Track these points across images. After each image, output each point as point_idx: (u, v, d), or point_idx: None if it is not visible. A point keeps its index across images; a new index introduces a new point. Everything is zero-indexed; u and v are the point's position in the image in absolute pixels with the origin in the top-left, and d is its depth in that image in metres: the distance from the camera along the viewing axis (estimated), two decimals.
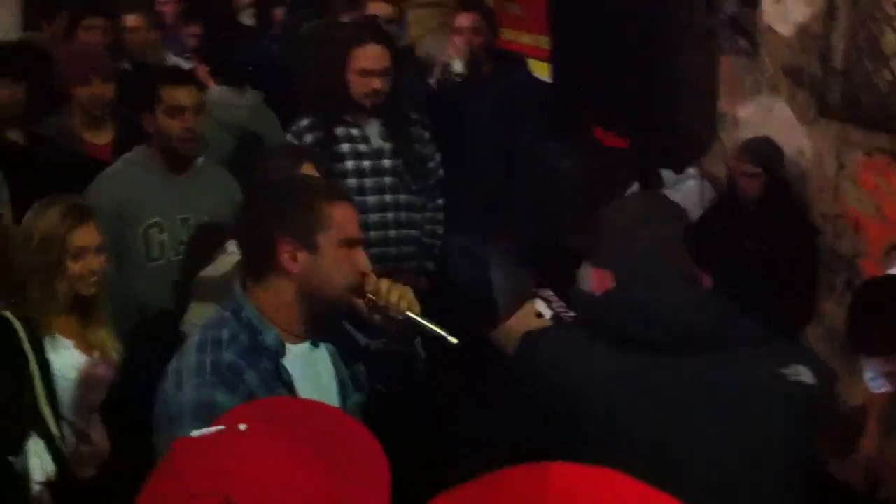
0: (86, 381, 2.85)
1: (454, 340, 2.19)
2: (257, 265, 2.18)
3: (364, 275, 2.18)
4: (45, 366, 2.72)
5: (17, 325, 2.71)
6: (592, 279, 2.14)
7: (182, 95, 3.49)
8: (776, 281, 3.88)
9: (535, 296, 2.69)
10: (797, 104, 4.20)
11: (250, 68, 5.00)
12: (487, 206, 4.55)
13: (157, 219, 3.50)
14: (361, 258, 2.19)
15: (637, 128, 4.02)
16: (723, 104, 4.65)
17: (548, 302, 2.66)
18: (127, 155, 3.66)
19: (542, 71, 5.11)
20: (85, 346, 2.92)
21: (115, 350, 2.99)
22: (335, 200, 2.19)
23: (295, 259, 2.12)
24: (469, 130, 4.55)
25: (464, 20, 4.64)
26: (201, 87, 3.85)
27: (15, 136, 4.21)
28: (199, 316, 2.93)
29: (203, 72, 4.86)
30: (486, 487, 0.90)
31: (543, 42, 5.41)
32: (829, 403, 2.09)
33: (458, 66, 4.56)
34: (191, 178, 3.57)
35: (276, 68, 5.59)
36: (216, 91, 4.63)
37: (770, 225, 4.00)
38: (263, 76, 5.25)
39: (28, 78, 4.22)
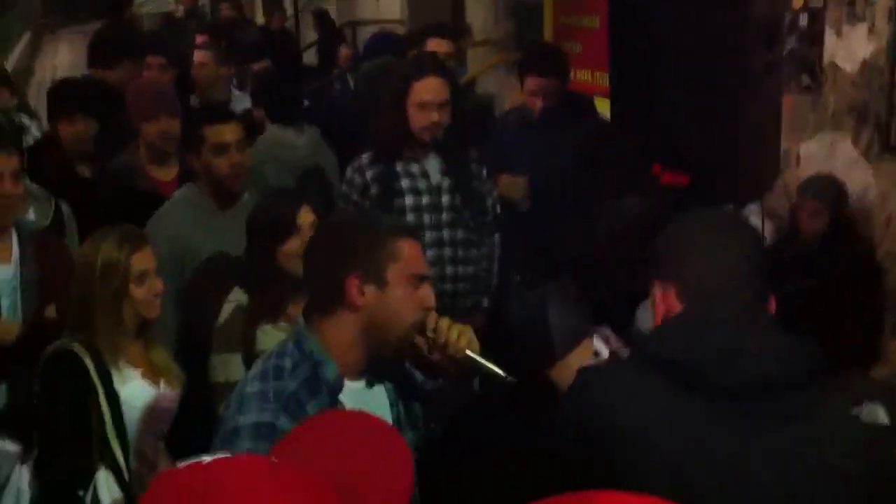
0: (153, 411, 2.90)
1: (512, 379, 2.19)
2: (323, 300, 2.20)
3: (429, 311, 2.20)
4: (113, 398, 2.77)
5: (87, 358, 2.77)
6: (654, 295, 1.98)
7: (225, 133, 3.55)
8: (838, 322, 3.82)
9: (592, 334, 2.67)
10: (861, 141, 4.14)
11: (307, 103, 5.08)
12: (547, 244, 4.54)
13: (207, 257, 3.52)
14: (428, 294, 2.21)
15: (698, 165, 3.99)
16: (785, 141, 4.59)
17: (605, 340, 2.63)
18: (176, 194, 3.72)
19: (601, 107, 5.11)
20: (151, 374, 2.95)
21: (178, 377, 3.03)
22: (403, 237, 2.21)
23: (363, 293, 2.13)
24: (535, 169, 4.55)
25: (536, 84, 4.54)
26: (248, 123, 3.89)
27: (84, 171, 4.33)
28: (221, 371, 3.00)
29: (259, 112, 4.95)
30: None
31: (601, 79, 5.42)
32: None
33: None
34: (239, 213, 3.60)
35: (338, 105, 5.67)
36: (272, 129, 4.72)
37: (833, 264, 3.93)
38: (323, 113, 5.34)
39: (98, 114, 4.34)
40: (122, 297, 2.86)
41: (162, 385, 2.94)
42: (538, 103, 4.55)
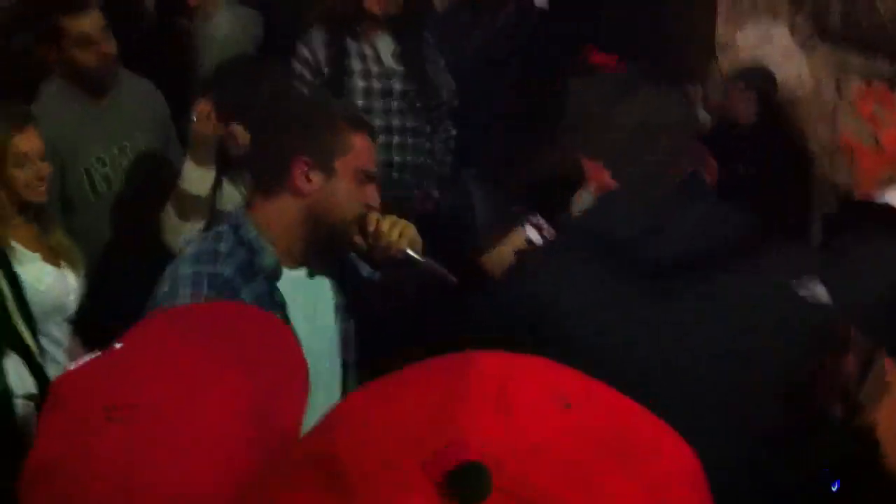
0: (56, 292, 2.84)
1: (453, 279, 2.19)
2: (267, 181, 2.16)
3: (370, 208, 2.17)
4: (13, 279, 2.70)
5: None
6: (586, 170, 1.95)
7: (88, 23, 3.28)
8: (769, 209, 3.85)
9: (523, 222, 2.65)
10: (796, 28, 4.12)
11: None
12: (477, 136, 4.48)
13: (94, 153, 3.36)
14: (373, 193, 2.18)
15: (629, 47, 3.95)
16: (721, 27, 4.56)
17: (537, 228, 2.61)
18: (41, 95, 3.41)
19: None
20: (50, 257, 2.88)
21: (80, 260, 2.95)
22: (359, 130, 2.18)
23: (309, 179, 2.10)
24: (461, 57, 4.46)
25: None
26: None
27: None
28: (188, 234, 2.91)
29: None
30: (414, 371, 0.89)
31: None
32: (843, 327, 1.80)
33: None
34: (116, 100, 3.42)
35: None
36: (225, 6, 4.57)
37: (765, 151, 3.96)
38: None
39: None
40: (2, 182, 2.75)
41: (63, 267, 2.87)
42: None
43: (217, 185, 3.00)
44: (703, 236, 1.75)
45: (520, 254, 2.18)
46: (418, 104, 3.88)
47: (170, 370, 1.08)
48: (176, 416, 1.03)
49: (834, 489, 1.96)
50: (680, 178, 1.83)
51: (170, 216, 2.98)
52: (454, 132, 4.09)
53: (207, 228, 2.70)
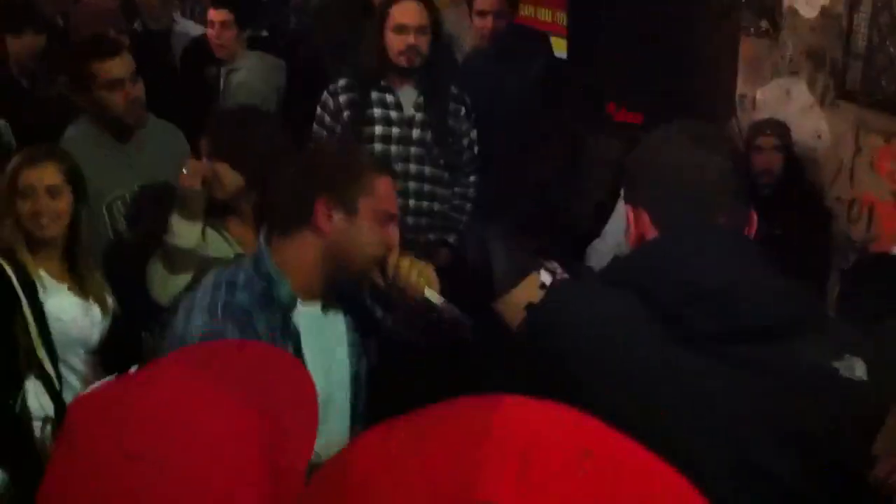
0: (80, 323, 2.89)
1: (469, 321, 2.20)
2: (288, 220, 2.18)
3: (391, 249, 2.19)
4: (38, 307, 2.75)
5: (9, 269, 2.77)
6: (627, 218, 1.85)
7: (117, 67, 3.37)
8: (790, 265, 3.83)
9: (539, 268, 2.65)
10: (817, 87, 4.14)
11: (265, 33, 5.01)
12: (500, 185, 4.51)
13: (116, 193, 3.42)
14: (394, 233, 2.21)
15: (652, 105, 3.98)
16: (742, 86, 4.59)
17: (552, 273, 2.61)
18: (69, 133, 3.51)
19: (560, 47, 5.06)
20: (78, 290, 2.94)
21: (109, 295, 3.00)
22: (381, 173, 2.21)
23: (330, 218, 2.12)
24: (490, 107, 4.50)
25: (485, 3, 4.45)
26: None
27: (27, 85, 4.23)
28: (178, 287, 2.93)
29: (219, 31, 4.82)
30: (438, 417, 0.88)
31: (561, 19, 5.36)
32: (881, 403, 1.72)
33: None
34: (140, 142, 3.48)
35: (297, 38, 5.60)
36: (252, 55, 4.64)
37: (785, 207, 3.95)
38: (281, 46, 5.27)
39: (47, 31, 4.23)
40: (10, 212, 2.84)
41: (90, 301, 2.92)
42: (487, 24, 4.48)
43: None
44: (762, 310, 1.63)
45: (552, 285, 2.15)
46: (437, 152, 3.93)
47: (182, 412, 1.07)
48: (188, 460, 1.03)
49: None
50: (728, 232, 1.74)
51: (157, 270, 2.99)
52: (474, 179, 4.12)
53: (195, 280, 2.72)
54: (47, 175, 2.89)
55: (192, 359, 1.21)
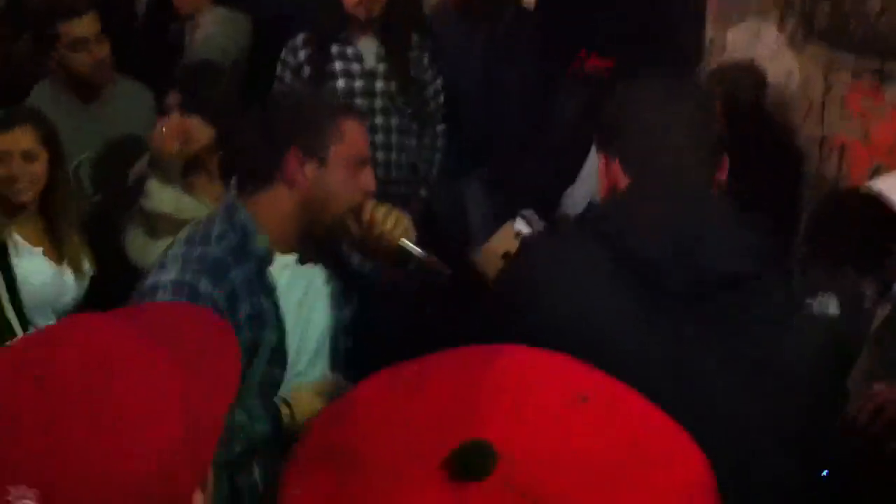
0: (51, 288, 2.86)
1: (447, 270, 2.19)
2: (260, 173, 2.16)
3: (368, 195, 2.17)
4: (7, 271, 2.72)
5: None
6: (599, 168, 1.86)
7: (81, 27, 3.33)
8: (761, 207, 3.85)
9: (515, 216, 2.65)
10: (786, 28, 4.14)
11: None
12: (472, 140, 4.48)
13: (82, 155, 3.40)
14: (369, 178, 2.19)
15: (623, 49, 3.96)
16: (711, 28, 4.58)
17: (528, 221, 2.61)
18: (32, 94, 3.48)
19: None
20: (53, 254, 2.90)
21: (87, 261, 2.97)
22: (349, 118, 2.18)
23: (303, 170, 2.11)
24: (457, 64, 4.47)
25: None
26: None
27: None
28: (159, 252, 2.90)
29: None
30: (434, 364, 0.89)
31: None
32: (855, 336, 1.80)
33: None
34: (106, 102, 3.45)
35: None
36: (216, 10, 4.57)
37: (756, 147, 3.96)
38: None
39: None
40: None
41: (64, 266, 2.89)
42: None
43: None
44: (734, 256, 1.66)
45: (525, 239, 2.15)
46: (402, 102, 3.89)
47: (99, 349, 1.06)
48: (101, 390, 1.01)
49: (824, 478, 1.96)
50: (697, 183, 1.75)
51: (137, 235, 2.97)
52: (441, 128, 4.10)
53: None
54: (23, 139, 2.84)
55: (118, 312, 1.21)
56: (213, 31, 4.58)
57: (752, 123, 3.91)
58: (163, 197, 2.92)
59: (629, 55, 3.88)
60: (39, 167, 2.88)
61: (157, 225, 2.92)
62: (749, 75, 4.06)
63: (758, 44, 4.29)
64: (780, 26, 4.17)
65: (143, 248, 2.94)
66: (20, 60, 3.90)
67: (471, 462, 0.77)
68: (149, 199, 2.94)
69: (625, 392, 0.88)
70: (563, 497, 0.76)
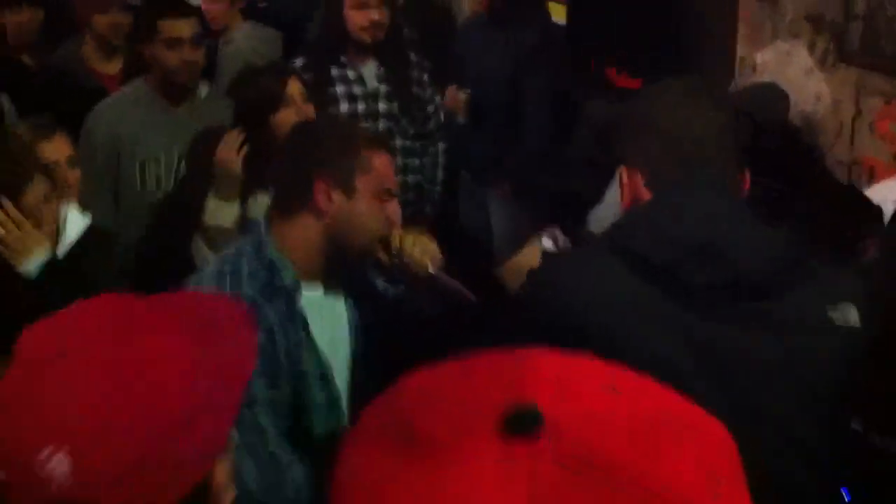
0: None
1: (470, 296, 2.21)
2: (288, 201, 2.17)
3: (393, 227, 2.19)
4: None
5: None
6: (620, 180, 1.84)
7: (181, 28, 3.42)
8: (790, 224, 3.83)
9: (540, 233, 2.65)
10: (817, 50, 4.13)
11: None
12: (496, 150, 4.50)
13: (153, 153, 3.47)
14: (395, 210, 2.21)
15: (652, 68, 3.97)
16: (742, 48, 4.57)
17: (554, 239, 2.62)
18: (125, 88, 3.62)
19: (558, 14, 5.04)
20: None
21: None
22: (378, 149, 2.20)
23: (330, 199, 2.11)
24: (484, 74, 4.49)
25: None
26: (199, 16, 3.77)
27: (28, 60, 4.23)
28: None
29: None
30: (475, 358, 0.93)
31: None
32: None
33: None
34: (189, 110, 3.51)
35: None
36: (246, 26, 4.62)
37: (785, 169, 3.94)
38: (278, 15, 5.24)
39: (46, 4, 4.22)
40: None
41: None
42: None
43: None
44: (755, 260, 1.64)
45: (546, 255, 2.16)
46: (405, 123, 3.88)
47: (121, 322, 1.13)
48: (114, 357, 1.08)
49: (847, 499, 1.95)
50: (719, 189, 1.72)
51: (200, 247, 3.02)
52: (443, 146, 4.10)
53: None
54: (65, 146, 2.90)
55: (148, 298, 1.25)
56: (243, 47, 4.63)
57: (778, 142, 3.90)
58: (221, 213, 2.96)
59: (658, 75, 3.89)
60: (78, 173, 2.95)
61: (217, 239, 2.96)
62: (772, 95, 4.05)
63: (788, 65, 4.28)
64: (811, 47, 4.17)
65: (205, 260, 2.99)
66: (61, 74, 3.97)
67: (522, 421, 0.81)
68: (209, 215, 2.98)
69: (650, 382, 0.92)
70: (611, 454, 0.81)
